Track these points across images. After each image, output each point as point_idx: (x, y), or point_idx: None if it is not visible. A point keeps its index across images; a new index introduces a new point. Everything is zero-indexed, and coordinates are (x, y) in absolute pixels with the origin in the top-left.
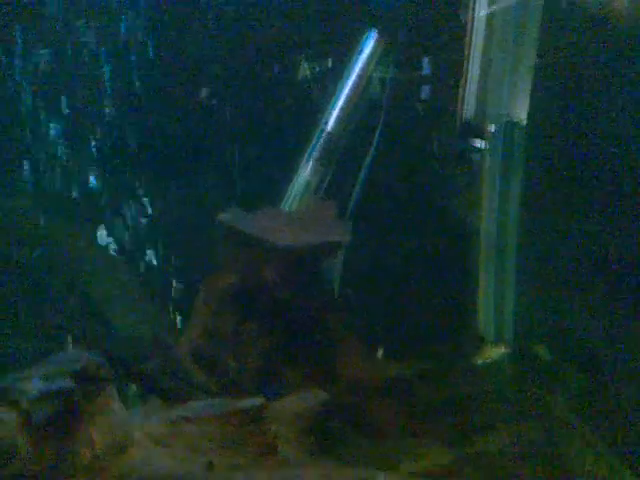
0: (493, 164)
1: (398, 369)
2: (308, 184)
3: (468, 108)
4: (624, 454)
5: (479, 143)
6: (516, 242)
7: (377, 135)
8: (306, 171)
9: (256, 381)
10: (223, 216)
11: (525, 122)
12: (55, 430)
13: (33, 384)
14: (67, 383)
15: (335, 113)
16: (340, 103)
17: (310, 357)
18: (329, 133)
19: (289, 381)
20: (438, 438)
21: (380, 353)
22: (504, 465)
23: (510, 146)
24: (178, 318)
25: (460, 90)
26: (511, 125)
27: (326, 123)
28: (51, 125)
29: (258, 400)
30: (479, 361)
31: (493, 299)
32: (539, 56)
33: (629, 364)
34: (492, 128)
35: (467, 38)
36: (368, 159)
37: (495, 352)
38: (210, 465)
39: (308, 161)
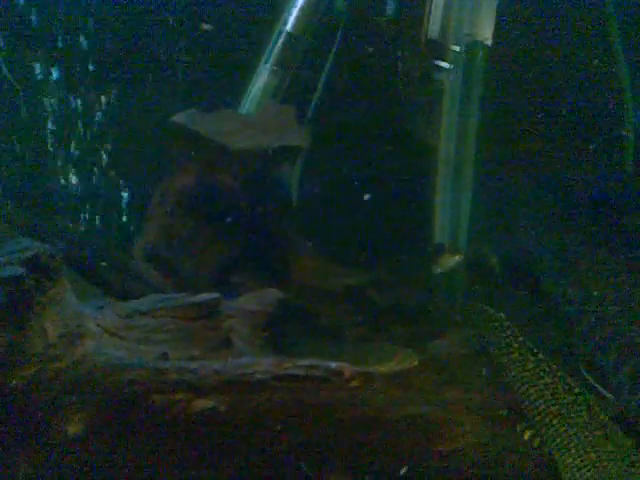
0: (455, 84)
1: (354, 277)
2: (266, 87)
3: (433, 27)
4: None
5: (443, 63)
6: (474, 160)
7: (338, 40)
8: (265, 73)
9: (211, 283)
10: (177, 117)
11: (489, 42)
12: (6, 319)
13: None
14: (17, 270)
15: (295, 12)
16: (301, 1)
17: (265, 262)
18: (289, 34)
19: (244, 285)
20: (394, 343)
21: (336, 261)
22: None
23: (473, 66)
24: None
25: (425, 8)
26: (474, 45)
27: (285, 23)
28: None
29: (213, 295)
30: (434, 269)
31: (449, 213)
32: None
33: (569, 278)
34: (456, 48)
35: None
36: (328, 65)
37: (450, 261)
38: (164, 355)
39: (267, 63)
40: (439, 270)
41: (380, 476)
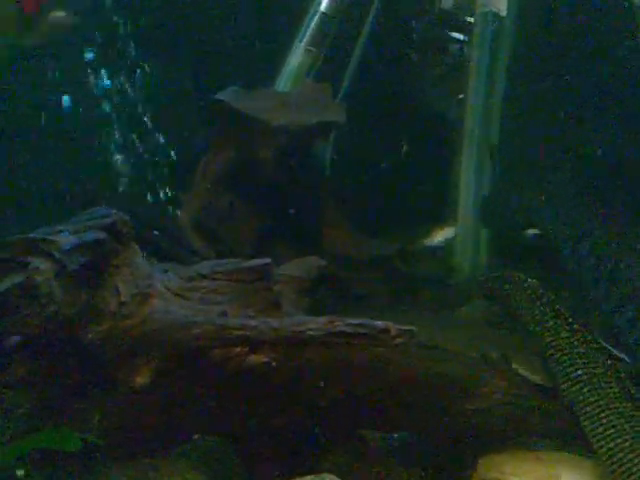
0: (472, 55)
1: (382, 248)
2: (301, 66)
3: None
4: None
5: (458, 34)
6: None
7: (371, 19)
8: (300, 52)
9: (251, 252)
10: (220, 94)
11: (505, 13)
12: (87, 279)
13: (66, 236)
14: (100, 234)
15: None
16: None
17: (300, 234)
18: (323, 13)
19: (281, 255)
20: (424, 309)
21: (365, 232)
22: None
23: (489, 38)
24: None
25: None
26: (491, 16)
27: (319, 3)
28: None
29: (265, 260)
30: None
31: (473, 186)
32: None
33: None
34: (472, 19)
35: None
36: (361, 43)
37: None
38: (224, 313)
39: (301, 42)
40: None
41: (412, 434)
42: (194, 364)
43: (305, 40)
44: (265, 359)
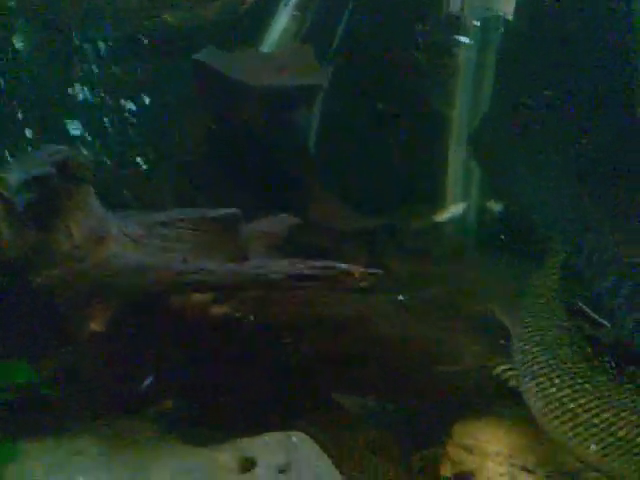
0: (474, 58)
1: (366, 220)
2: (286, 29)
3: (452, 1)
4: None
5: (462, 37)
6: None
7: None
8: (284, 15)
9: None
10: (199, 54)
11: (508, 17)
12: (35, 218)
13: (15, 173)
14: (46, 170)
15: None
16: None
17: (281, 200)
18: None
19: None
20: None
21: (350, 204)
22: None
23: (492, 40)
24: None
25: None
26: (494, 20)
27: None
28: None
29: (231, 210)
30: (440, 218)
31: (460, 172)
32: None
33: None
34: (475, 22)
35: None
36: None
37: (455, 210)
38: (184, 260)
39: (286, 5)
40: (439, 219)
41: (385, 393)
42: (151, 311)
43: (290, 3)
44: (227, 310)
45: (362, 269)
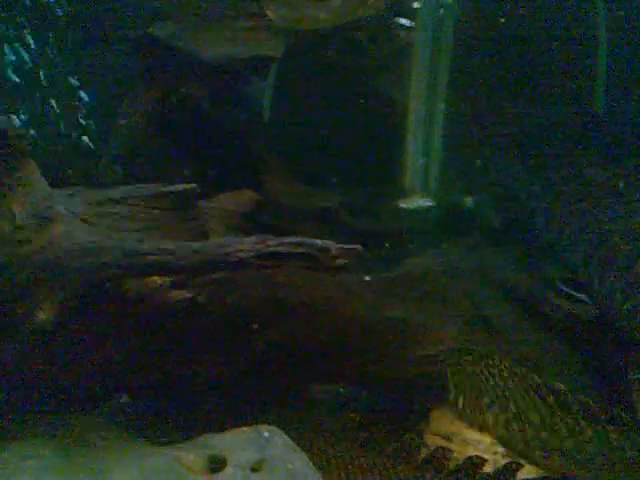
0: (420, 41)
1: (327, 199)
2: None
3: None
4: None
5: (404, 20)
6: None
7: None
8: None
9: None
10: (151, 29)
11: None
12: None
13: None
14: None
15: None
16: None
17: (235, 177)
18: None
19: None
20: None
21: (310, 183)
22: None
23: (437, 23)
24: None
25: None
26: (438, 2)
27: None
28: None
29: (189, 185)
30: (403, 204)
31: (420, 159)
32: None
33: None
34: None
35: None
36: None
37: (416, 200)
38: (139, 240)
39: None
40: (405, 206)
41: (359, 379)
42: (105, 298)
43: None
44: (189, 294)
45: (338, 245)
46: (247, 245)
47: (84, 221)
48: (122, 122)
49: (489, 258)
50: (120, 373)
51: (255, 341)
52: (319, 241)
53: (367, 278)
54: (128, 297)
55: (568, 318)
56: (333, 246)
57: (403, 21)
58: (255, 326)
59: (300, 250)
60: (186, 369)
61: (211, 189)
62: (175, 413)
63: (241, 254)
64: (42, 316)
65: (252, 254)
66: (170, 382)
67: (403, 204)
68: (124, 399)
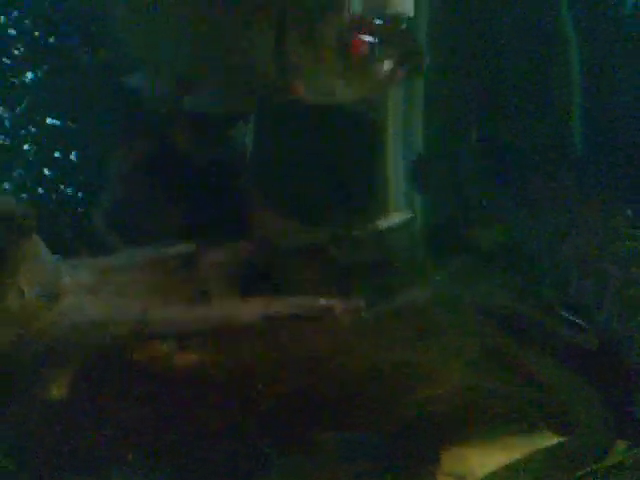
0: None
1: (313, 234)
2: None
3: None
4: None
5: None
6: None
7: None
8: None
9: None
10: (127, 78)
11: (410, 13)
12: None
13: None
14: None
15: None
16: None
17: (224, 219)
18: None
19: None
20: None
21: (294, 218)
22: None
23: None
24: None
25: None
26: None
27: None
28: None
29: (188, 245)
30: (385, 226)
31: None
32: None
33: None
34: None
35: None
36: None
37: (402, 218)
38: (144, 308)
39: None
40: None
41: (368, 428)
42: (114, 368)
43: None
44: (195, 357)
45: (342, 304)
46: (252, 307)
47: (90, 291)
48: (112, 173)
49: (483, 284)
50: (131, 436)
51: (262, 398)
52: (323, 300)
53: (363, 314)
54: (135, 364)
55: (570, 346)
56: (337, 304)
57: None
58: (260, 385)
59: (303, 310)
60: (194, 429)
61: (203, 237)
62: (184, 471)
63: (247, 317)
64: (55, 392)
65: (257, 317)
66: (179, 442)
67: (382, 224)
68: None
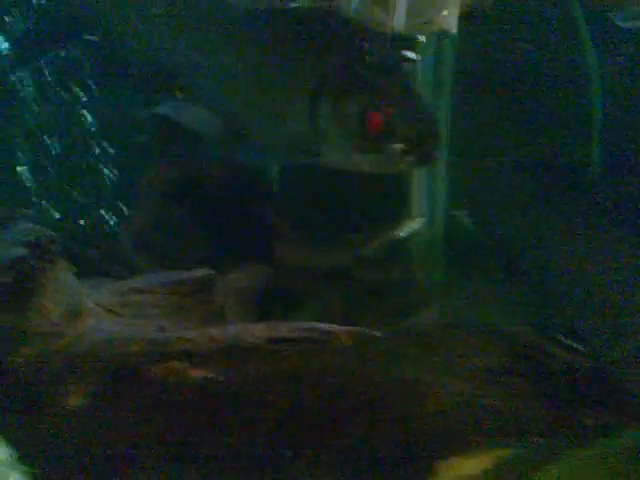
0: (424, 74)
1: (335, 256)
2: None
3: (398, 18)
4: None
5: (410, 53)
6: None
7: None
8: None
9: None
10: (159, 108)
11: (454, 31)
12: (11, 299)
13: None
14: (21, 251)
15: None
16: None
17: (249, 246)
18: None
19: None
20: (383, 316)
21: (318, 241)
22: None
23: (441, 56)
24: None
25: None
26: (442, 35)
27: None
28: None
29: (205, 271)
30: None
31: (425, 189)
32: None
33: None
34: (422, 38)
35: None
36: None
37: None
38: (160, 328)
39: None
40: (400, 236)
41: (371, 446)
42: (130, 382)
43: None
44: (207, 374)
45: (345, 329)
46: (259, 331)
47: (110, 312)
48: (141, 200)
49: (492, 306)
50: (145, 448)
51: (271, 413)
52: (326, 325)
53: (377, 333)
54: (151, 380)
55: (565, 370)
56: (341, 329)
57: (409, 55)
58: (270, 398)
59: (308, 335)
60: (205, 443)
61: (227, 262)
62: None
63: (253, 340)
64: (72, 401)
65: (263, 339)
66: (191, 455)
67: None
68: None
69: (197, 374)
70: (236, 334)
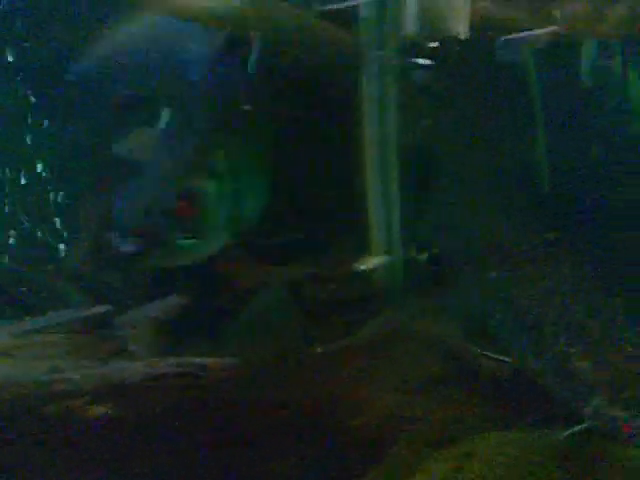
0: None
1: (287, 274)
2: None
3: (410, 24)
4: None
5: (423, 60)
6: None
7: None
8: None
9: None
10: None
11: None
12: None
13: None
14: None
15: None
16: None
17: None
18: None
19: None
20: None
21: (269, 260)
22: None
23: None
24: None
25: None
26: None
27: None
28: None
29: (104, 307)
30: (362, 267)
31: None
32: None
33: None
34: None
35: None
36: None
37: (379, 260)
38: (54, 368)
39: None
40: (361, 268)
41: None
42: (28, 424)
43: None
44: (105, 409)
45: (220, 361)
46: (138, 368)
47: (5, 355)
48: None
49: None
50: None
51: (164, 447)
52: (198, 359)
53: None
54: (49, 419)
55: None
56: (214, 362)
57: (422, 61)
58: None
59: (184, 370)
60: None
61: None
62: None
63: (132, 378)
64: None
65: (140, 377)
66: None
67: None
68: None
69: (95, 411)
70: (118, 373)
